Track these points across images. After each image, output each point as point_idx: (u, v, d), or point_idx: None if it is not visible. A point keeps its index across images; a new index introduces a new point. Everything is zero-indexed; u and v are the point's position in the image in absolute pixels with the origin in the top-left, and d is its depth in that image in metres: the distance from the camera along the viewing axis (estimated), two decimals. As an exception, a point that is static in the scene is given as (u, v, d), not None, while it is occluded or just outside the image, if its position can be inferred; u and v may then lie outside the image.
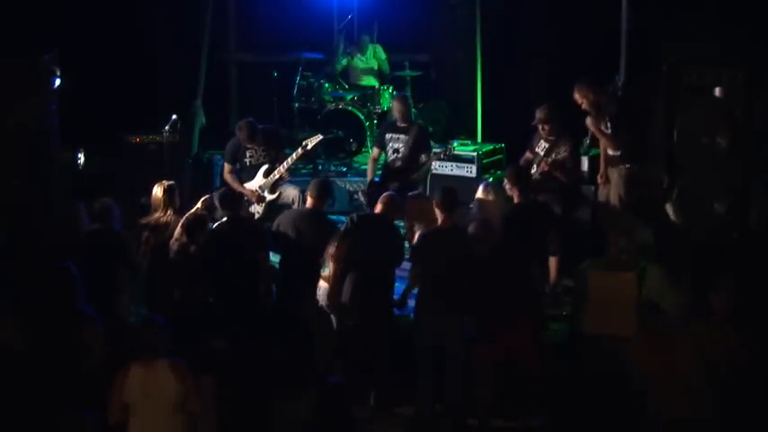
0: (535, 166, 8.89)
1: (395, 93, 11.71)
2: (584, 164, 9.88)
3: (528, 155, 9.15)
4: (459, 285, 7.33)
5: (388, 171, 9.53)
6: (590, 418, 7.37)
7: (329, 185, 8.33)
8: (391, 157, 9.53)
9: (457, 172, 9.98)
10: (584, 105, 8.62)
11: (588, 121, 8.67)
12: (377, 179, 9.70)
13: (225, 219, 7.92)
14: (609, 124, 8.63)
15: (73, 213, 7.95)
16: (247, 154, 9.31)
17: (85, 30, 11.25)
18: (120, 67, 11.62)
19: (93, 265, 7.48)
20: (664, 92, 8.77)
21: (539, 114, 8.89)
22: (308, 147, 9.38)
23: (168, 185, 8.20)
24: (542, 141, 8.94)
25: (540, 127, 8.90)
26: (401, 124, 9.56)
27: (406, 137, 9.46)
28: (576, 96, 8.67)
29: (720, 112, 8.32)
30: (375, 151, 9.84)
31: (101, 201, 8.06)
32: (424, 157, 9.49)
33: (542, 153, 8.88)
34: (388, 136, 9.61)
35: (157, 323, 6.15)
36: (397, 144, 9.52)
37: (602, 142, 8.79)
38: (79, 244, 7.73)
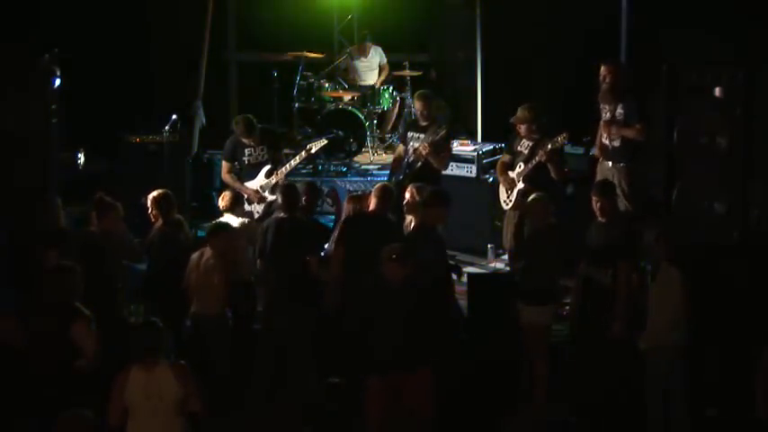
0: (522, 163, 8.84)
1: (396, 93, 11.71)
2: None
3: (505, 157, 9.11)
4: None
5: (408, 170, 9.34)
6: (589, 417, 7.39)
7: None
8: (411, 156, 9.46)
9: (457, 172, 9.97)
10: (606, 81, 8.62)
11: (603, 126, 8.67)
12: (400, 176, 9.56)
13: (282, 215, 7.94)
14: (621, 109, 8.62)
15: (50, 210, 7.92)
16: (246, 152, 9.28)
17: (85, 30, 11.25)
18: (119, 68, 11.63)
19: (93, 264, 7.50)
20: (664, 92, 8.77)
21: (520, 113, 8.79)
22: (312, 150, 9.36)
23: (158, 195, 8.10)
24: (524, 140, 8.89)
25: (518, 127, 8.84)
26: (422, 123, 9.42)
27: (425, 136, 9.38)
28: (605, 70, 8.65)
29: (720, 112, 8.31)
30: (400, 148, 9.61)
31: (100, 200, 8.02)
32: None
33: (526, 151, 8.83)
34: (409, 134, 9.45)
35: (158, 324, 6.14)
36: (417, 143, 9.34)
37: (605, 129, 8.74)
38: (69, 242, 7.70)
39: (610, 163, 8.81)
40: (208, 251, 7.67)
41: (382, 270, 6.85)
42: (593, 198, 7.69)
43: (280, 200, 8.02)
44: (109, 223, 7.82)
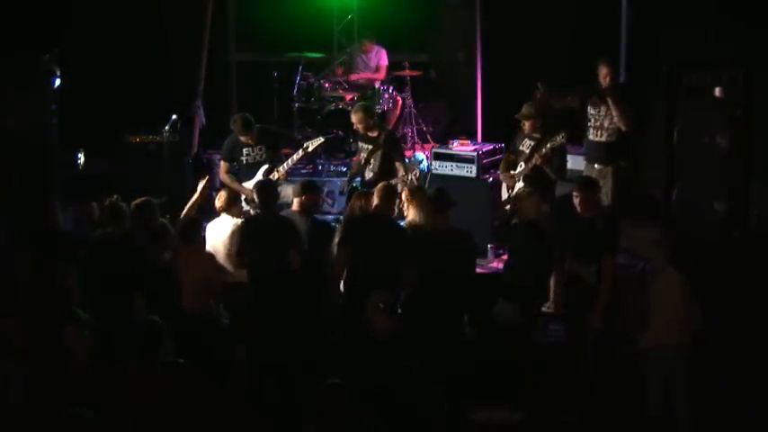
0: (522, 163, 8.84)
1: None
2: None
3: (509, 157, 9.11)
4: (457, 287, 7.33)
5: (363, 182, 9.34)
6: (589, 416, 7.38)
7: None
8: (364, 168, 9.38)
9: (457, 172, 9.97)
10: (607, 81, 8.64)
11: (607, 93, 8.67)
12: (356, 183, 9.61)
13: (259, 213, 7.93)
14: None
15: (48, 212, 7.92)
16: (244, 152, 9.29)
17: (85, 30, 11.25)
18: (120, 67, 11.63)
19: (108, 267, 7.51)
20: (664, 92, 8.77)
21: (525, 110, 8.84)
22: (309, 149, 9.32)
23: (139, 203, 8.01)
24: (527, 139, 8.91)
25: (522, 123, 8.86)
26: (370, 134, 9.39)
27: (375, 147, 9.30)
28: (604, 70, 8.67)
29: (720, 112, 8.31)
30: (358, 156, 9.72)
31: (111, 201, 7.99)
32: (398, 167, 9.22)
33: (527, 150, 8.83)
34: (359, 145, 9.50)
35: (157, 323, 6.14)
36: (365, 154, 9.35)
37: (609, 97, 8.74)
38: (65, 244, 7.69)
39: (596, 165, 8.82)
40: (191, 248, 7.67)
41: (369, 319, 6.61)
42: (575, 193, 7.67)
43: (256, 197, 7.98)
44: (122, 225, 7.84)
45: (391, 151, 9.31)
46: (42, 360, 6.43)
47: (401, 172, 9.18)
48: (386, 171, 9.20)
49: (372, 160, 9.31)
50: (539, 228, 7.78)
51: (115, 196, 7.98)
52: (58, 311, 6.58)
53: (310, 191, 8.15)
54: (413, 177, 9.02)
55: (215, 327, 7.64)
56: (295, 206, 8.13)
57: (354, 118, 9.47)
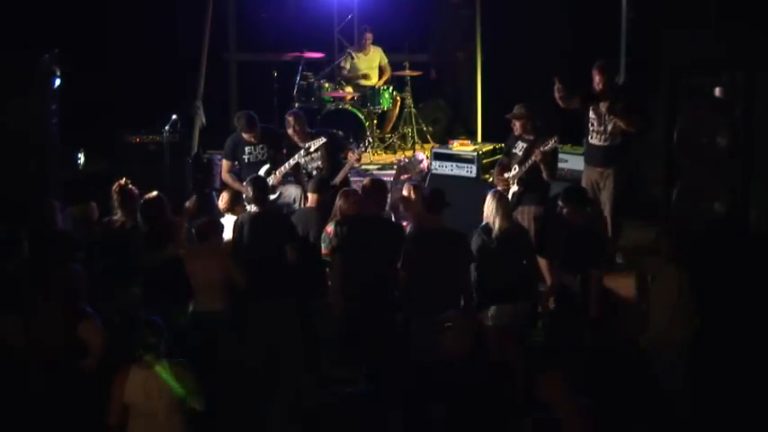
0: (516, 166, 8.82)
1: (396, 93, 11.64)
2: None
3: (504, 159, 9.10)
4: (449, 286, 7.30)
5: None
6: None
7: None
8: (315, 175, 9.25)
9: (457, 172, 9.98)
10: (600, 86, 8.66)
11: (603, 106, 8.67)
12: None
13: (253, 210, 7.90)
14: (622, 101, 8.68)
15: (47, 212, 7.92)
16: (246, 151, 9.28)
17: (86, 30, 11.26)
18: (120, 67, 11.63)
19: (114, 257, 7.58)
20: (664, 92, 8.77)
21: (516, 110, 8.81)
22: (311, 149, 9.32)
23: (121, 187, 8.03)
24: (519, 142, 8.89)
25: (513, 124, 8.84)
26: (302, 143, 9.27)
27: (318, 152, 9.30)
28: (598, 75, 8.69)
29: (720, 112, 8.30)
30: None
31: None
32: (350, 156, 9.34)
33: (521, 153, 8.82)
34: (302, 161, 9.33)
35: (157, 324, 6.14)
36: (314, 164, 9.31)
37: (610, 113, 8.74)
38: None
39: (599, 168, 8.82)
40: (205, 248, 7.66)
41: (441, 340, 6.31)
42: (560, 204, 7.69)
43: (250, 193, 7.93)
44: (132, 212, 7.85)
45: (334, 146, 9.36)
46: (60, 359, 6.44)
47: (349, 154, 9.34)
48: (335, 163, 9.29)
49: (319, 162, 9.29)
50: (518, 231, 7.84)
51: (124, 179, 7.99)
52: (70, 309, 6.58)
53: (326, 189, 8.13)
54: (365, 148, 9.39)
55: (230, 326, 7.62)
56: (311, 203, 8.12)
57: (292, 119, 9.39)
